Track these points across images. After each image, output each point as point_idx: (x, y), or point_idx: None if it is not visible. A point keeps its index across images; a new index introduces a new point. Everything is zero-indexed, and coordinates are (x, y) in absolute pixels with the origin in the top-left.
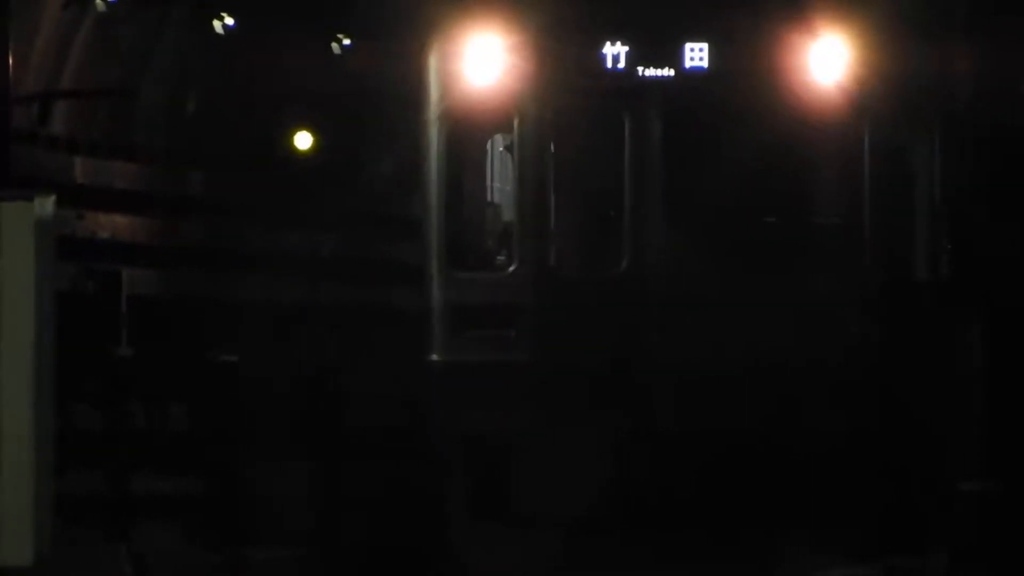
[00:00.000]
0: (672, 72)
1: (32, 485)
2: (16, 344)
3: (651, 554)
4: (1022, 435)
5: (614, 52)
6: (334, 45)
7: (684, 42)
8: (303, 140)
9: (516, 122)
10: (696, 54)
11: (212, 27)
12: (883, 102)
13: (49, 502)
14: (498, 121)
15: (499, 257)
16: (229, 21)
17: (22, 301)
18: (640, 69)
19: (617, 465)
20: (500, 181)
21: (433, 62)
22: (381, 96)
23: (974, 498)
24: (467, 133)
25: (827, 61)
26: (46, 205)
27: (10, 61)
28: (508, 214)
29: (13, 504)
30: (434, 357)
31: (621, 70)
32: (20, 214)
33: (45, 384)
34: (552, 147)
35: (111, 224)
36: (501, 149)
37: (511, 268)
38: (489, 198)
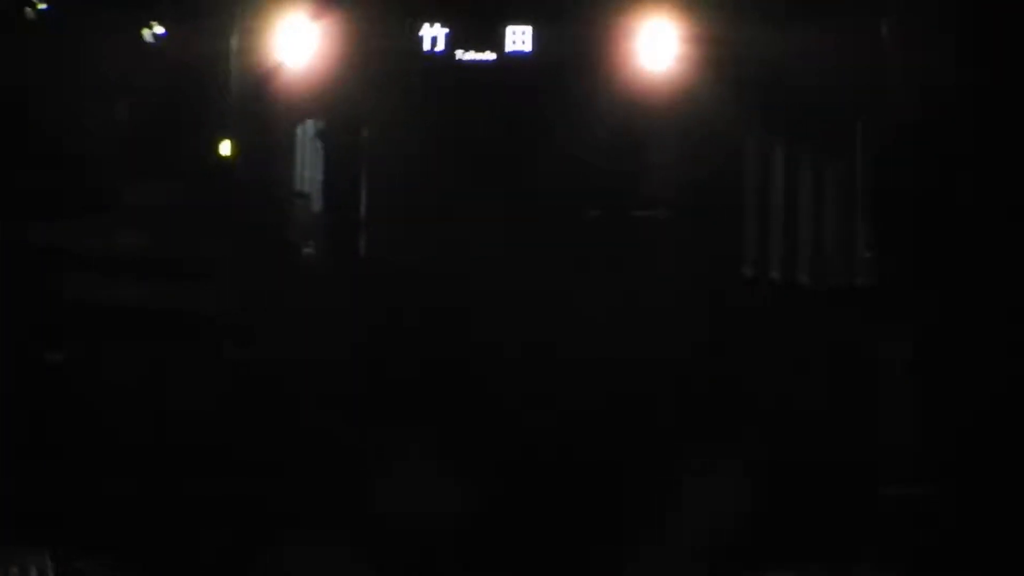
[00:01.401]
0: (493, 55)
1: None
2: None
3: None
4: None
5: (432, 34)
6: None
7: (506, 24)
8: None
9: (328, 108)
10: (519, 37)
11: None
12: (718, 90)
13: None
14: (309, 106)
15: (306, 249)
16: None
17: None
18: (459, 52)
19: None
20: (311, 170)
21: (241, 45)
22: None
23: (898, 503)
24: (276, 119)
25: (658, 47)
26: None
27: None
28: (319, 203)
29: None
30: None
31: (440, 53)
32: None
33: None
34: (365, 133)
35: None
36: (313, 136)
37: (321, 258)
38: (299, 187)
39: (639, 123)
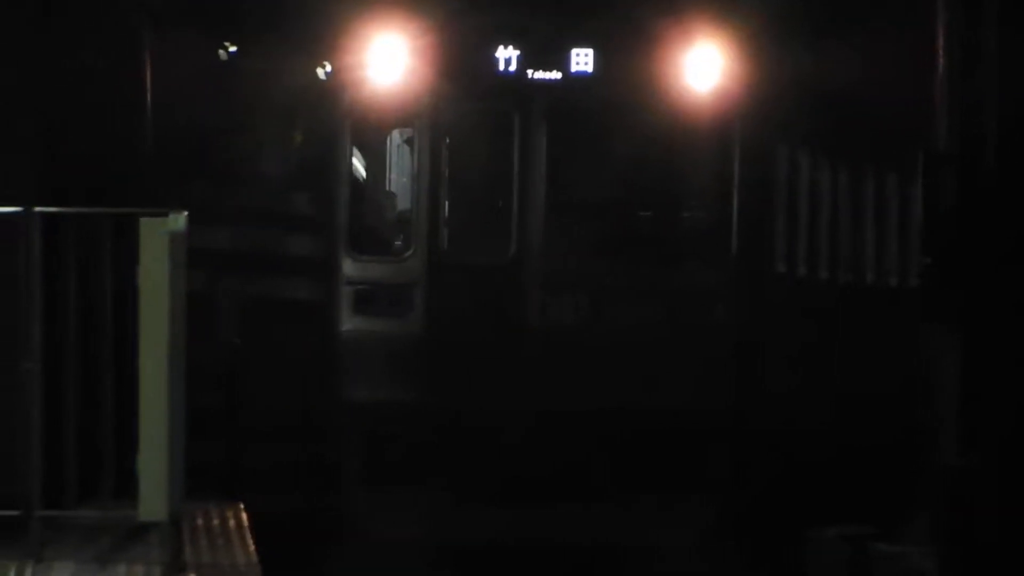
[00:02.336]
0: (559, 75)
1: (166, 454)
2: (153, 336)
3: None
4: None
5: (506, 56)
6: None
7: (571, 48)
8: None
9: (415, 119)
10: (582, 59)
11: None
12: (758, 107)
13: (181, 469)
14: (398, 117)
15: (397, 242)
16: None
17: (158, 300)
18: (530, 72)
19: (499, 437)
20: (397, 172)
21: (339, 62)
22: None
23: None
24: (370, 129)
25: (701, 67)
26: (179, 220)
27: (148, 93)
28: (405, 203)
29: (150, 471)
30: (340, 329)
31: (512, 73)
32: (156, 227)
33: (177, 368)
34: (447, 142)
35: None
36: (401, 143)
37: (408, 252)
38: (388, 188)
39: (685, 133)
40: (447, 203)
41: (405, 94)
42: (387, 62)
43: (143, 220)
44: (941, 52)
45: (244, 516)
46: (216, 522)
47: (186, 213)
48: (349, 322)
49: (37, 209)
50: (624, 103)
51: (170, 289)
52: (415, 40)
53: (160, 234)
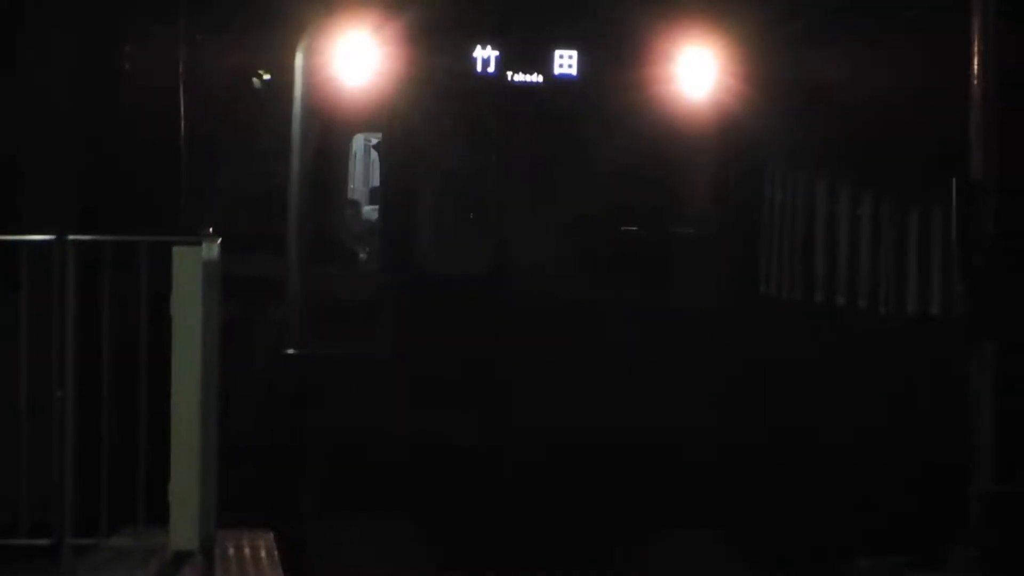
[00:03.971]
0: (541, 78)
1: (198, 483)
2: (186, 364)
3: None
4: None
5: (484, 56)
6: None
7: (554, 49)
8: None
9: (385, 122)
10: (565, 61)
11: None
12: (753, 115)
13: (213, 498)
14: (365, 120)
15: (362, 255)
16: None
17: (191, 328)
18: (510, 74)
19: (474, 461)
20: (358, 181)
21: (302, 59)
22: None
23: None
24: (333, 131)
25: (694, 72)
26: (213, 248)
27: (183, 119)
28: (372, 212)
29: (182, 499)
30: (293, 352)
31: (491, 74)
32: (190, 256)
33: (211, 398)
34: (420, 147)
35: None
36: (371, 145)
37: (375, 265)
38: (351, 196)
39: (673, 144)
40: (418, 213)
41: (374, 95)
42: (355, 62)
43: (176, 248)
44: (976, 73)
45: (275, 545)
46: (247, 551)
47: (220, 240)
48: (308, 342)
49: (71, 237)
50: (610, 109)
51: (204, 317)
52: (387, 37)
53: (194, 262)
